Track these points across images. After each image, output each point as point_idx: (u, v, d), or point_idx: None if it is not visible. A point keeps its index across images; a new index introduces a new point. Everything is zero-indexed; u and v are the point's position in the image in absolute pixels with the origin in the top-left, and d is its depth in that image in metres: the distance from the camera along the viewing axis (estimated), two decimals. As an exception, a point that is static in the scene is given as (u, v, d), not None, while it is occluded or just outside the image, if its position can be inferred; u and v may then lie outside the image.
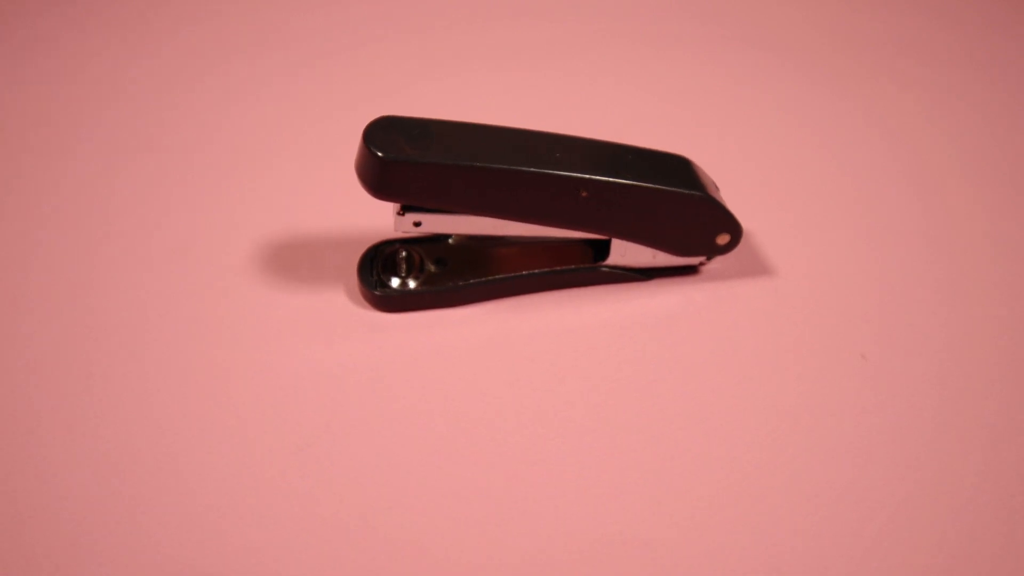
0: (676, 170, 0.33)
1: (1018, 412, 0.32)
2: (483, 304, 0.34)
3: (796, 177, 0.42)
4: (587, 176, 0.31)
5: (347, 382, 0.31)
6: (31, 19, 0.50)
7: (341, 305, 0.34)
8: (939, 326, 0.35)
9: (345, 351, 0.33)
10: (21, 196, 0.39)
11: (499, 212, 0.32)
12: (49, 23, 0.50)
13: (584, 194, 0.31)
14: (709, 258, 0.36)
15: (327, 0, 0.53)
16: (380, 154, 0.29)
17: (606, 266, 0.35)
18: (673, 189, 0.32)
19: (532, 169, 0.30)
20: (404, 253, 0.34)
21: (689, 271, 0.36)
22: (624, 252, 0.34)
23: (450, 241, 0.36)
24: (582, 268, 0.35)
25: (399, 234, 0.33)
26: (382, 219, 0.34)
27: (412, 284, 0.34)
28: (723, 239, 0.34)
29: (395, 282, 0.34)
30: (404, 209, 0.31)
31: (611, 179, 0.31)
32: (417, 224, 0.32)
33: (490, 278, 0.34)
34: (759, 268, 0.37)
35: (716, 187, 0.34)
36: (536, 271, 0.35)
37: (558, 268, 0.35)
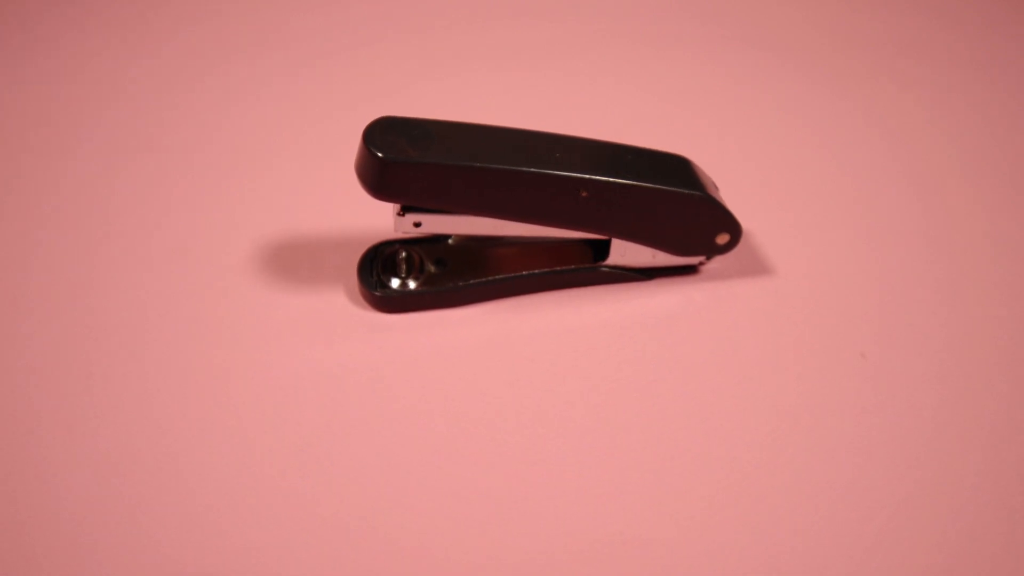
0: (676, 170, 0.33)
1: (1018, 411, 0.32)
2: (483, 304, 0.35)
3: (796, 177, 0.42)
4: (587, 176, 0.31)
5: (347, 382, 0.31)
6: (31, 19, 0.50)
7: (341, 306, 0.34)
8: (939, 325, 0.35)
9: (345, 351, 0.33)
10: (21, 196, 0.39)
11: (499, 212, 0.32)
12: (49, 23, 0.50)
13: (584, 194, 0.31)
14: (709, 258, 0.36)
15: (327, 0, 0.53)
16: (380, 155, 0.29)
17: (606, 266, 0.35)
18: (673, 189, 0.32)
19: (532, 169, 0.30)
20: (404, 254, 0.34)
21: (689, 271, 0.36)
22: (624, 252, 0.35)
23: (450, 242, 0.36)
24: (582, 268, 0.35)
25: (399, 235, 0.33)
26: (382, 220, 0.34)
27: (412, 285, 0.34)
28: (723, 239, 0.34)
29: (395, 283, 0.34)
30: (404, 210, 0.31)
31: (611, 179, 0.31)
32: (417, 225, 0.32)
33: (490, 278, 0.34)
34: (759, 268, 0.37)
35: (715, 187, 0.34)
36: (536, 271, 0.35)
37: (558, 268, 0.35)
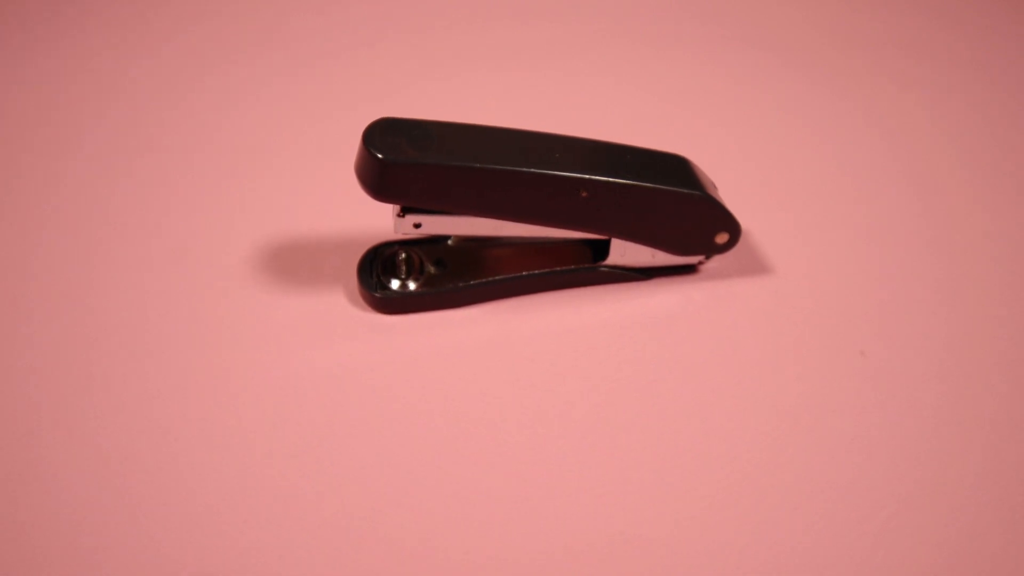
0: (675, 169, 0.34)
1: (1018, 410, 0.32)
2: (483, 305, 0.35)
3: (795, 176, 0.42)
4: (587, 176, 0.31)
5: (347, 383, 0.31)
6: (31, 19, 0.50)
7: (341, 307, 0.34)
8: (938, 324, 0.35)
9: (345, 353, 0.33)
10: (21, 196, 0.39)
11: (499, 213, 0.32)
12: (49, 23, 0.50)
13: (584, 194, 0.32)
14: (708, 257, 0.36)
15: (327, 0, 0.53)
16: (380, 156, 0.29)
17: (606, 266, 0.35)
18: (672, 188, 0.32)
19: (532, 170, 0.30)
20: (404, 255, 0.34)
21: (688, 270, 0.36)
22: (623, 252, 0.35)
23: (449, 242, 0.36)
24: (582, 268, 0.35)
25: (399, 236, 0.34)
26: (382, 221, 0.34)
27: (412, 286, 0.34)
28: (722, 238, 0.35)
29: (395, 284, 0.34)
30: (404, 211, 0.31)
31: (610, 179, 0.31)
32: (417, 226, 0.32)
33: (490, 279, 0.34)
34: (758, 267, 0.37)
35: (714, 186, 0.35)
36: (536, 272, 0.35)
37: (558, 268, 0.35)
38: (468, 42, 0.50)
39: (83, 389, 0.31)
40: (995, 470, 0.30)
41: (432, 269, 0.35)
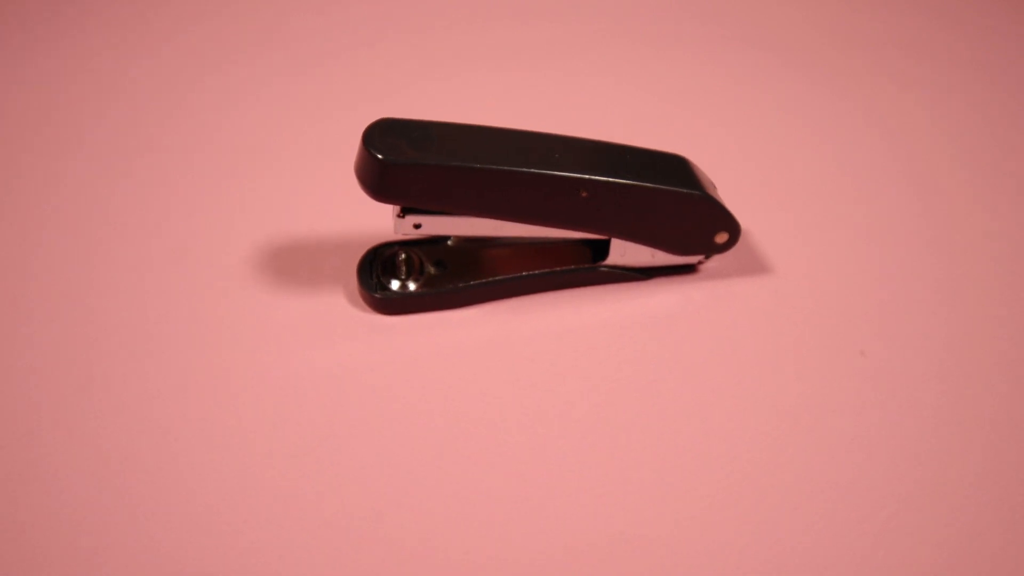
0: (674, 169, 0.34)
1: (1018, 409, 0.32)
2: (483, 305, 0.35)
3: (795, 176, 0.42)
4: (586, 176, 0.31)
5: (347, 384, 0.31)
6: (31, 19, 0.50)
7: (341, 307, 0.34)
8: (938, 323, 0.35)
9: (345, 353, 0.33)
10: (21, 196, 0.39)
11: (499, 213, 0.32)
12: (49, 23, 0.50)
13: (584, 194, 0.32)
14: (708, 257, 0.36)
15: (327, 0, 0.53)
16: (380, 156, 0.29)
17: (605, 266, 0.35)
18: (672, 188, 0.32)
19: (532, 170, 0.31)
20: (403, 255, 0.34)
21: (688, 270, 0.36)
22: (623, 252, 0.35)
23: (449, 243, 0.36)
24: (581, 268, 0.35)
25: (399, 236, 0.34)
26: (381, 221, 0.34)
27: (412, 286, 0.34)
28: (721, 238, 0.35)
29: (395, 284, 0.34)
30: (404, 211, 0.31)
31: (610, 179, 0.32)
32: (417, 226, 0.32)
33: (490, 279, 0.34)
34: (757, 267, 0.37)
35: (713, 186, 0.35)
36: (535, 272, 0.35)
37: (557, 269, 0.35)
38: (468, 42, 0.50)
39: (83, 389, 0.31)
40: (995, 470, 0.30)
41: (432, 270, 0.35)
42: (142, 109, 0.44)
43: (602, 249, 0.35)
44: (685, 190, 0.33)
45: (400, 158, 0.29)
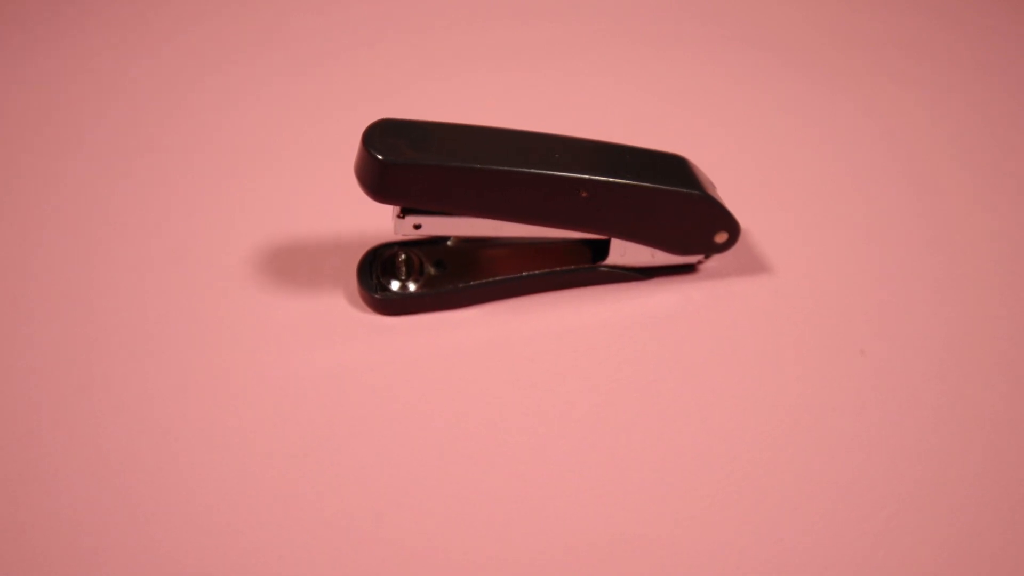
0: (674, 169, 0.34)
1: (1018, 409, 0.32)
2: (483, 306, 0.35)
3: (795, 176, 0.42)
4: (586, 176, 0.31)
5: (347, 385, 0.31)
6: (31, 19, 0.50)
7: (341, 308, 0.34)
8: (938, 323, 0.35)
9: (345, 354, 0.33)
10: (21, 196, 0.39)
11: (499, 213, 0.32)
12: (49, 23, 0.50)
13: (584, 194, 0.32)
14: (707, 257, 0.36)
15: (327, 0, 0.53)
16: (380, 157, 0.29)
17: (605, 266, 0.35)
18: (672, 188, 0.32)
19: (531, 170, 0.31)
20: (403, 256, 0.34)
21: (687, 270, 0.36)
22: (623, 252, 0.35)
23: (448, 243, 0.36)
24: (581, 268, 0.35)
25: (398, 237, 0.34)
26: (381, 222, 0.34)
27: (412, 287, 0.34)
28: (721, 237, 0.35)
29: (395, 285, 0.34)
30: (404, 212, 0.31)
31: (610, 179, 0.32)
32: (417, 227, 0.32)
33: (490, 280, 0.34)
34: (757, 266, 0.37)
35: (713, 185, 0.35)
36: (535, 272, 0.35)
37: (557, 269, 0.35)
38: (468, 42, 0.50)
39: (83, 389, 0.31)
40: (995, 469, 0.30)
41: (432, 270, 0.35)
42: (142, 109, 0.44)
43: (602, 249, 0.35)
44: (685, 190, 0.33)
45: (400, 158, 0.29)
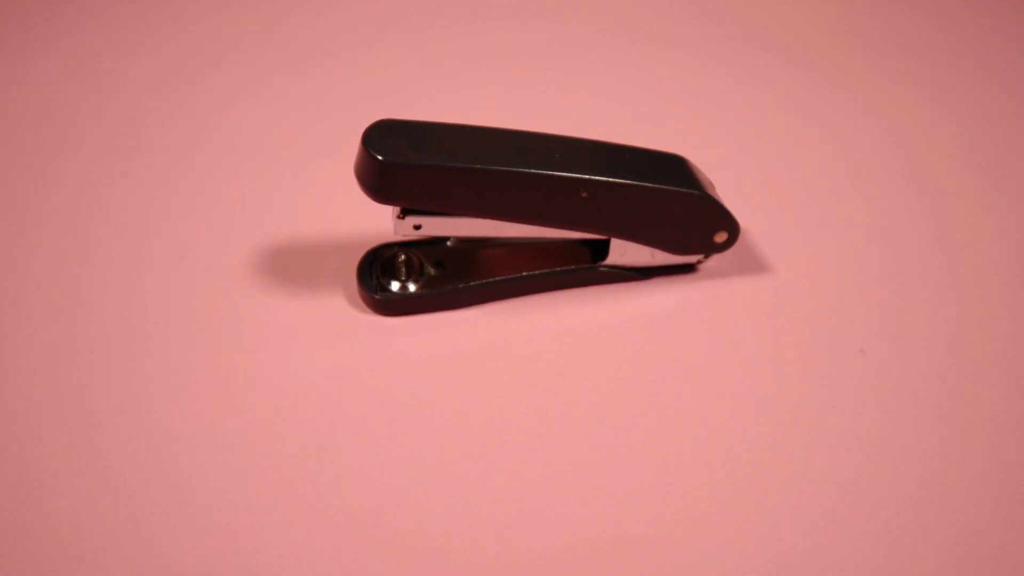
0: (673, 169, 0.34)
1: (1018, 409, 0.32)
2: (483, 306, 0.35)
3: (794, 176, 0.42)
4: (586, 176, 0.31)
5: (348, 385, 0.31)
6: (31, 19, 0.50)
7: (341, 309, 0.34)
8: (938, 322, 0.35)
9: (346, 355, 0.33)
10: (21, 196, 0.39)
11: (499, 214, 0.32)
12: (49, 23, 0.50)
13: (584, 194, 0.32)
14: (707, 256, 0.36)
15: (327, 0, 0.53)
16: (380, 157, 0.29)
17: (605, 266, 0.35)
18: (671, 188, 0.32)
19: (531, 170, 0.31)
20: (403, 256, 0.34)
21: (687, 270, 0.36)
22: (623, 252, 0.35)
23: (449, 244, 0.36)
24: (581, 268, 0.35)
25: (398, 237, 0.34)
26: (381, 222, 0.34)
27: (412, 287, 0.34)
28: (721, 237, 0.35)
29: (395, 285, 0.34)
30: (404, 212, 0.31)
31: (610, 179, 0.32)
32: (417, 227, 0.32)
33: (490, 280, 0.34)
34: (757, 266, 0.37)
35: (712, 185, 0.35)
36: (535, 272, 0.35)
37: (557, 269, 0.35)
38: (468, 42, 0.50)
39: (83, 390, 0.31)
40: (995, 469, 0.30)
41: (432, 271, 0.35)
42: (142, 109, 0.44)
43: (602, 249, 0.35)
44: (684, 190, 0.33)
45: (400, 159, 0.29)
